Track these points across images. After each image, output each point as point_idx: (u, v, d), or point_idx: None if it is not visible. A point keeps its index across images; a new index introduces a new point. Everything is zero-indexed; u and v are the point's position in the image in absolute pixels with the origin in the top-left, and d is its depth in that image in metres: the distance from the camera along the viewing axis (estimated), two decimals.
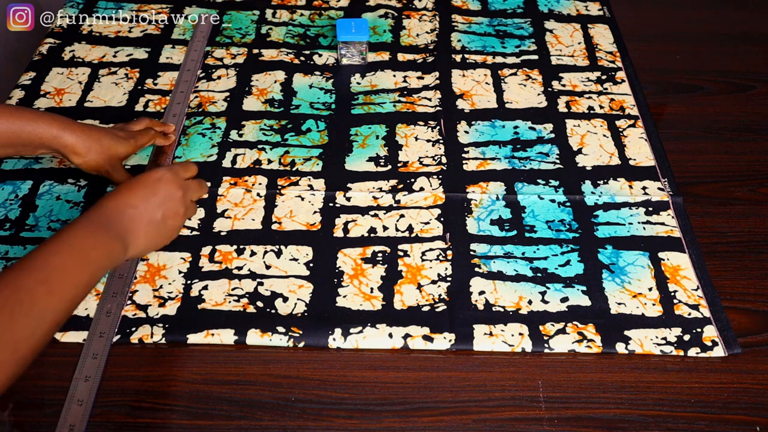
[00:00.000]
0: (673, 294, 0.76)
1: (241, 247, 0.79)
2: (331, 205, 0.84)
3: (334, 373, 0.69)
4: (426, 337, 0.71)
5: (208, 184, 0.80)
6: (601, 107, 0.97)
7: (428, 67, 1.03)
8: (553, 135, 0.93)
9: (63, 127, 0.76)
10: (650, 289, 0.76)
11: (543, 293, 0.76)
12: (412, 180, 0.87)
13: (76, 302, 0.59)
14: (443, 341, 0.71)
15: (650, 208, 0.84)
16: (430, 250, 0.79)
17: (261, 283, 0.75)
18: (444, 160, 0.89)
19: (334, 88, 0.99)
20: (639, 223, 0.83)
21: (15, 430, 0.64)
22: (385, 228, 0.81)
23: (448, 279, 0.76)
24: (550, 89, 1.00)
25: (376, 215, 0.83)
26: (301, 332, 0.71)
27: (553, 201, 0.85)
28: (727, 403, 0.68)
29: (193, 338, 0.71)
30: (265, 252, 0.79)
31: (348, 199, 0.84)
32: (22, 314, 0.54)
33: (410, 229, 0.81)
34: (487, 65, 1.03)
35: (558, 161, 0.90)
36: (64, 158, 0.80)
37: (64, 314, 0.57)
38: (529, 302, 0.75)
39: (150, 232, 0.67)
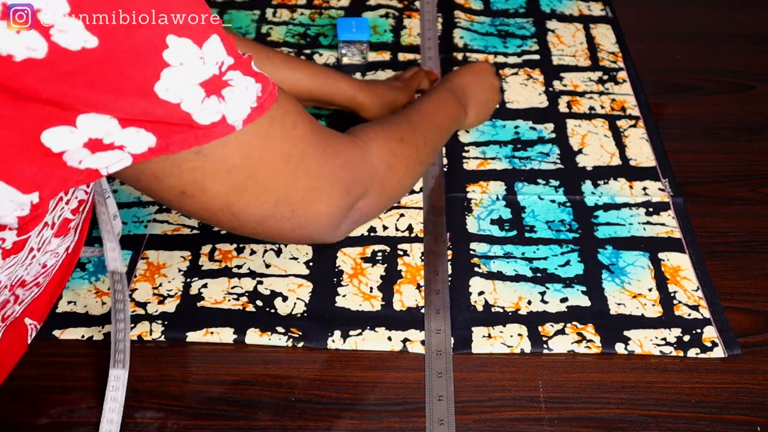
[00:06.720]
0: (673, 295, 0.76)
1: (241, 245, 0.79)
2: None
3: (334, 373, 0.69)
4: (424, 342, 0.71)
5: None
6: (602, 107, 0.97)
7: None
8: (553, 135, 0.93)
9: (357, 87, 0.87)
10: (650, 290, 0.76)
11: (542, 293, 0.76)
12: None
13: (438, 147, 0.85)
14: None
15: (650, 209, 0.84)
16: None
17: (260, 282, 0.75)
18: (445, 161, 0.89)
19: None
20: (639, 223, 0.83)
21: None
22: (384, 227, 0.81)
23: (448, 279, 0.76)
24: (551, 89, 1.00)
25: None
26: (300, 333, 0.71)
27: (553, 201, 0.85)
28: (727, 404, 0.68)
29: (192, 336, 0.70)
30: (265, 251, 0.78)
31: None
32: (415, 146, 0.74)
33: (410, 228, 0.81)
34: None
35: (558, 161, 0.90)
36: (354, 113, 0.89)
37: (432, 150, 0.79)
38: (529, 302, 0.75)
39: (477, 107, 0.89)
